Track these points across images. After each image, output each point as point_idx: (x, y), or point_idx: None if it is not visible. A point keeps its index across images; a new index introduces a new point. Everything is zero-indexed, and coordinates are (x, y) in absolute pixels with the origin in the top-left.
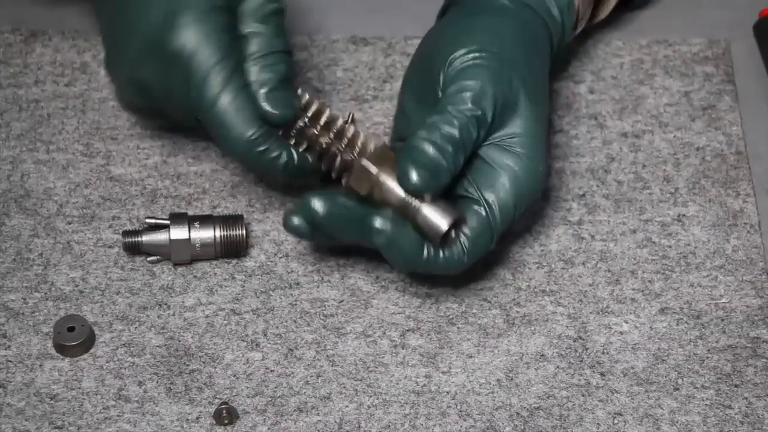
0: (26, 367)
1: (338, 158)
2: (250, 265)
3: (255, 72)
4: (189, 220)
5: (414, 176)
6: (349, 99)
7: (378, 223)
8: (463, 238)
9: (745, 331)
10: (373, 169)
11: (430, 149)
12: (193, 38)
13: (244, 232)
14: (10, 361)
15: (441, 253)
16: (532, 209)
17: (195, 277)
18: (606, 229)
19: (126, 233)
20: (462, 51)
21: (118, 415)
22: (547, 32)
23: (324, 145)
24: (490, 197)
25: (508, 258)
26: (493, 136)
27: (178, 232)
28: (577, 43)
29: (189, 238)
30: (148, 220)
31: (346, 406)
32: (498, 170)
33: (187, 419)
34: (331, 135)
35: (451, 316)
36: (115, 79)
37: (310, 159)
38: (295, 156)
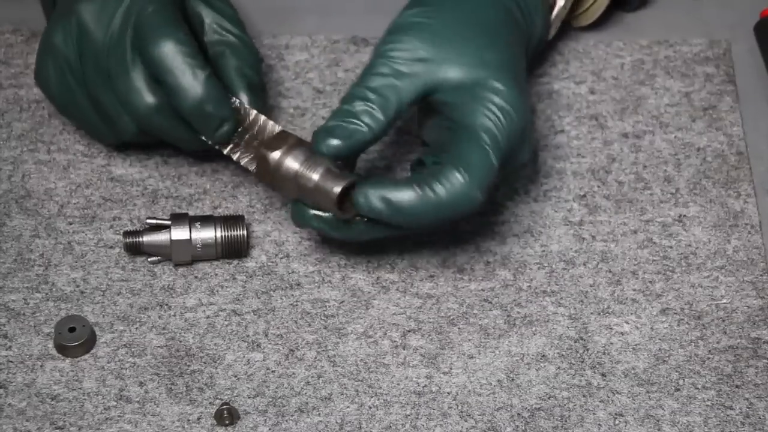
0: (27, 368)
1: (239, 148)
2: (251, 265)
3: (222, 55)
4: (190, 221)
5: (328, 143)
6: None
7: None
8: (463, 168)
9: (746, 332)
10: (274, 154)
11: (346, 119)
12: None
13: (245, 232)
14: (11, 362)
15: (440, 187)
16: (532, 209)
17: (196, 277)
18: (607, 230)
19: (127, 234)
20: (408, 11)
21: (119, 416)
22: (515, 3)
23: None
24: (474, 123)
25: (509, 258)
26: (454, 83)
27: (179, 233)
28: (578, 43)
29: (190, 239)
30: (149, 221)
31: (347, 407)
32: (471, 102)
33: (188, 420)
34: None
35: (452, 317)
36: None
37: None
38: (218, 85)
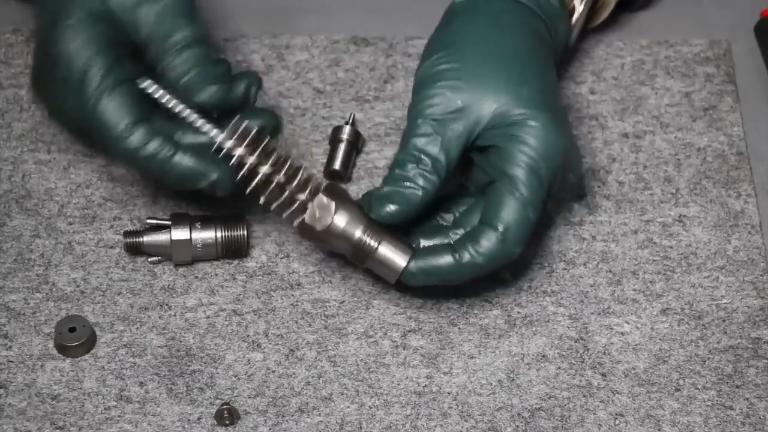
0: (27, 368)
1: (285, 194)
2: (251, 265)
3: (172, 71)
4: (190, 221)
5: (386, 210)
6: (350, 99)
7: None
8: (500, 227)
9: (746, 332)
10: (332, 207)
11: (401, 184)
12: (71, 42)
13: (245, 232)
14: (12, 362)
15: (476, 251)
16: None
17: (196, 277)
18: (607, 230)
19: (127, 234)
20: (431, 58)
21: (119, 416)
22: (537, 18)
23: (274, 183)
24: (509, 172)
25: None
26: (491, 124)
27: (180, 233)
28: (578, 43)
29: (190, 239)
30: (149, 221)
31: (348, 407)
32: (508, 146)
33: (189, 420)
34: (280, 171)
35: (452, 317)
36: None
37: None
38: (190, 162)
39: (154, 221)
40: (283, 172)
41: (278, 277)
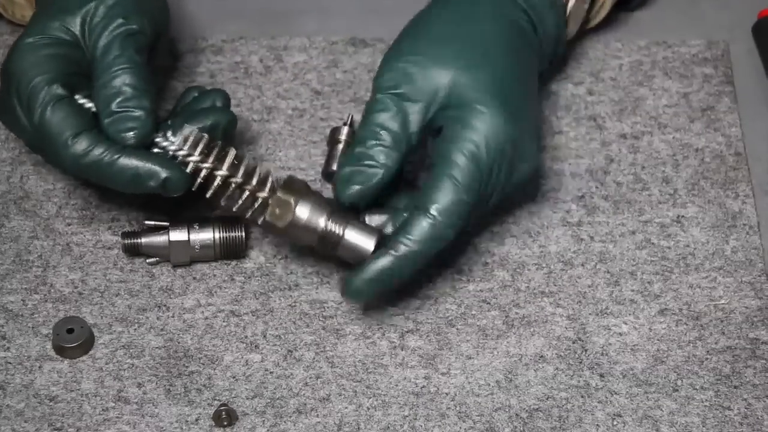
0: (26, 369)
1: (245, 194)
2: (249, 266)
3: (98, 97)
4: (188, 222)
5: (349, 192)
6: (348, 101)
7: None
8: (431, 210)
9: (744, 332)
10: (292, 200)
11: (362, 163)
12: (24, 59)
13: (243, 233)
14: (10, 363)
15: (411, 241)
16: (530, 210)
17: (194, 278)
18: (605, 231)
19: (125, 235)
20: (398, 38)
21: (117, 417)
22: (518, 9)
23: (232, 184)
24: (449, 155)
25: (507, 259)
26: (445, 104)
27: (178, 234)
28: (576, 44)
29: (188, 240)
30: (147, 222)
31: (346, 408)
32: (454, 128)
33: (187, 421)
34: (237, 172)
35: (450, 318)
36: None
37: (211, 196)
38: (137, 163)
39: (152, 222)
40: (240, 173)
41: (276, 278)
